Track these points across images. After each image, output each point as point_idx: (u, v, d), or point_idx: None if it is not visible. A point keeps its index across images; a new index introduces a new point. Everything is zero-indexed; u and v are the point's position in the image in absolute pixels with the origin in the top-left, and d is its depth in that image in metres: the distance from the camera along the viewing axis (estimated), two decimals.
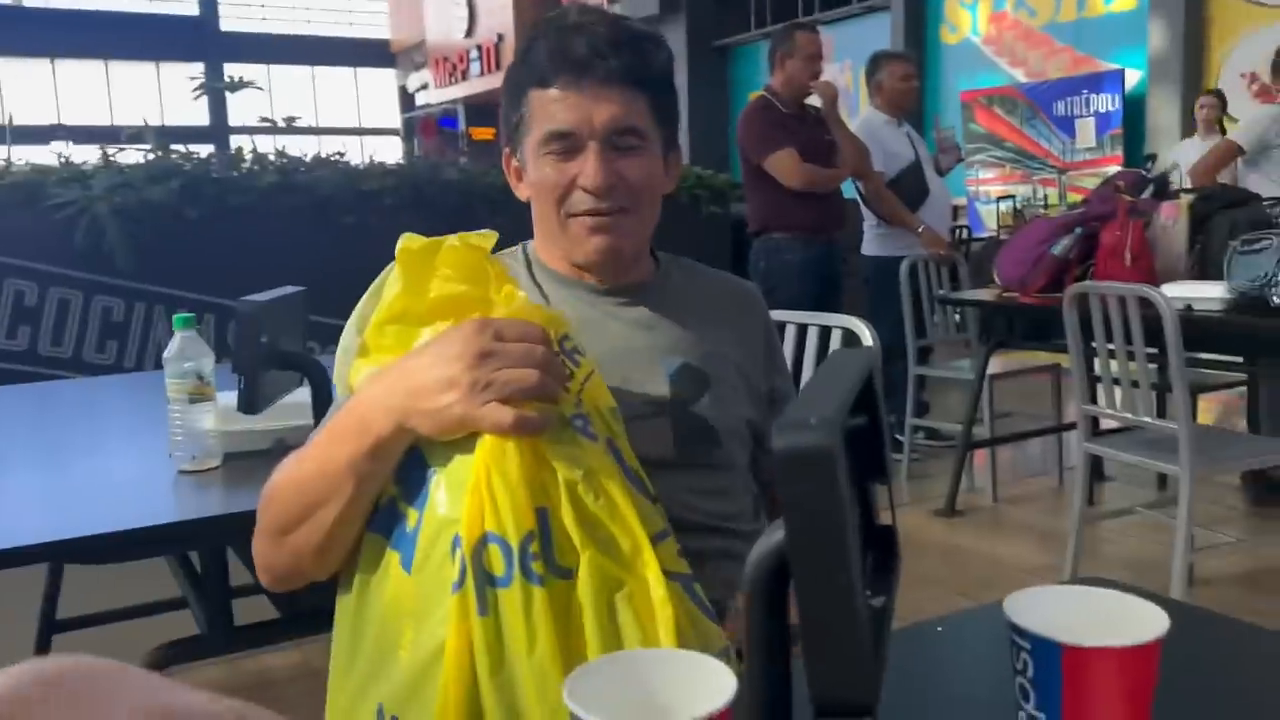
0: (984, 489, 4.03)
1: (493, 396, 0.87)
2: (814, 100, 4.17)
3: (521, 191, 1.18)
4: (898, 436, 4.37)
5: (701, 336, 1.17)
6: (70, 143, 5.63)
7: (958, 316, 4.59)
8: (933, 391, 4.85)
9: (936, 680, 0.85)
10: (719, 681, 0.54)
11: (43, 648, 2.35)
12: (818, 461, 0.45)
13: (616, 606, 0.87)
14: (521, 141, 1.14)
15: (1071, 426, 3.62)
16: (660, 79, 1.14)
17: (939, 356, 4.64)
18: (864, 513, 0.65)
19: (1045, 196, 8.69)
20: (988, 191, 9.26)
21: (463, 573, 0.85)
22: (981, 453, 4.11)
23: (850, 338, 1.86)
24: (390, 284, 1.00)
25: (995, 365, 3.87)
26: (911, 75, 4.53)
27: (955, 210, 7.89)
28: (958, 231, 8.24)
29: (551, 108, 1.09)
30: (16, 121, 13.32)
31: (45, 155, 4.51)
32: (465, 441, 0.90)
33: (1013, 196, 8.77)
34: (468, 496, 0.87)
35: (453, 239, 0.98)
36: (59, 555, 1.66)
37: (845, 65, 10.58)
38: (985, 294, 3.72)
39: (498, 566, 0.85)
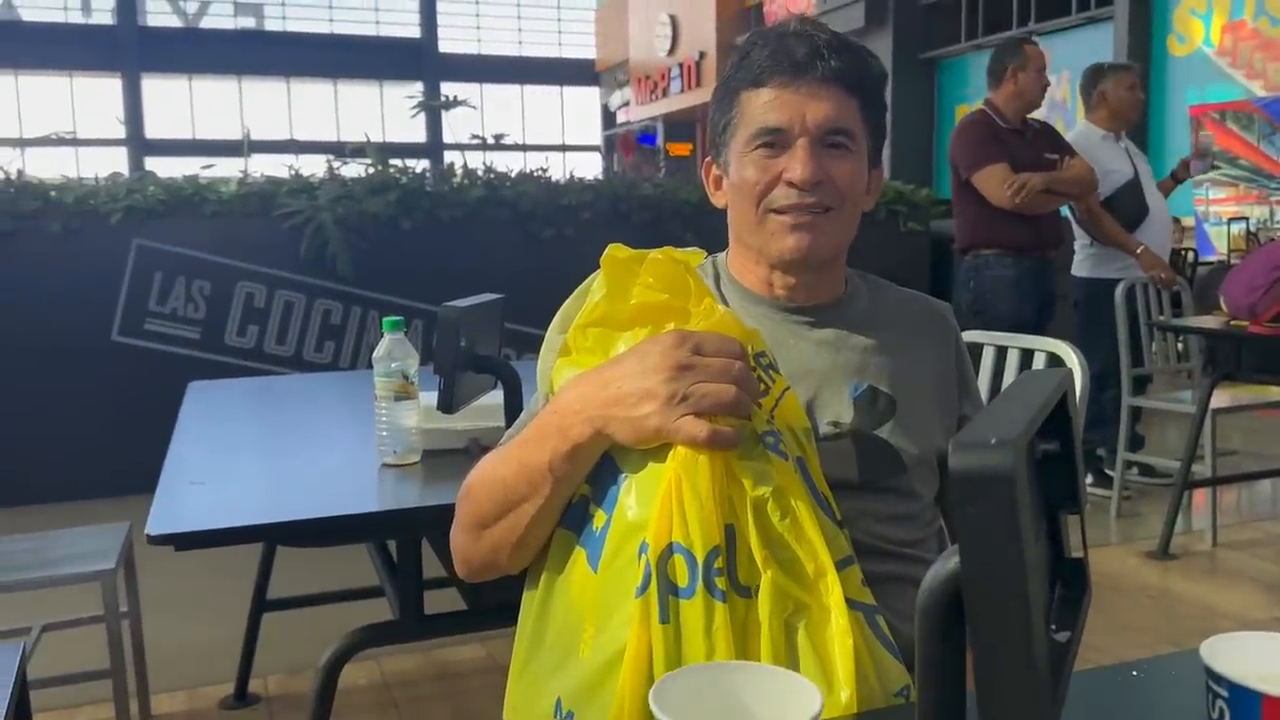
0: (1202, 531, 3.73)
1: (689, 410, 0.88)
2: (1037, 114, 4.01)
3: (719, 199, 1.17)
4: (1108, 471, 4.10)
5: (890, 359, 1.13)
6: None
7: (1179, 345, 4.27)
8: (1149, 424, 4.53)
9: None
10: (807, 700, 0.54)
11: (254, 624, 2.53)
12: (995, 483, 0.43)
13: (795, 630, 0.86)
14: (726, 145, 1.13)
15: None
16: (874, 88, 1.12)
17: (1157, 387, 4.34)
18: (1054, 543, 0.62)
19: None
20: (1218, 212, 8.59)
21: (647, 578, 0.86)
22: (1201, 493, 3.82)
23: (1054, 363, 1.75)
24: (595, 289, 1.03)
25: (1220, 399, 3.59)
26: (1137, 85, 4.27)
27: (1182, 231, 7.37)
28: (1182, 254, 7.68)
29: (763, 107, 1.08)
30: (254, 136, 14.48)
31: (278, 168, 4.89)
32: (658, 450, 0.91)
33: (1246, 218, 8.10)
34: (658, 504, 0.88)
35: (656, 252, 1.00)
36: (273, 536, 1.78)
37: (1063, 76, 10.08)
38: (1210, 321, 3.48)
39: (681, 577, 0.85)
